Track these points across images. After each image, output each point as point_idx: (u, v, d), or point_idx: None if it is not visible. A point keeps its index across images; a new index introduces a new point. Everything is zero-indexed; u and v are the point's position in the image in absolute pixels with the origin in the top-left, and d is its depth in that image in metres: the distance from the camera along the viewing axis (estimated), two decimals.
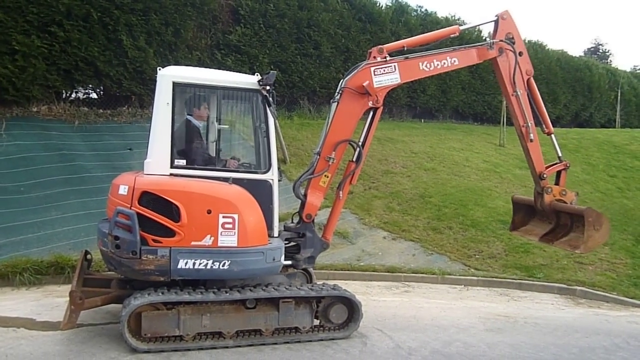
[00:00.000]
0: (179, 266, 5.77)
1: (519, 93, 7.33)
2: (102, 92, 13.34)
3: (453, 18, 23.26)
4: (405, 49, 7.22)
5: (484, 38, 21.39)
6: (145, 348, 5.75)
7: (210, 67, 13.91)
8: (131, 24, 12.17)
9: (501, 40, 7.34)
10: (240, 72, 14.49)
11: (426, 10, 22.25)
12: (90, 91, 13.53)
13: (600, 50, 55.18)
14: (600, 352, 6.81)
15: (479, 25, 7.75)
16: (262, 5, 15.50)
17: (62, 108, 12.12)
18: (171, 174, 6.15)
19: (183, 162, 6.27)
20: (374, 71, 6.86)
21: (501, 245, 11.37)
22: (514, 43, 7.33)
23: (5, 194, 9.67)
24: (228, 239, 5.93)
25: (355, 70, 6.91)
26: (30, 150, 10.69)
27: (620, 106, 31.00)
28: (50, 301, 7.42)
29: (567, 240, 7.41)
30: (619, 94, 30.85)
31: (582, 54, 46.17)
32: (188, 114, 6.68)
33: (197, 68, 7.49)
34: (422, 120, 22.97)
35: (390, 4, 20.76)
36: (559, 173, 7.74)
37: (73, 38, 11.31)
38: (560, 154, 7.76)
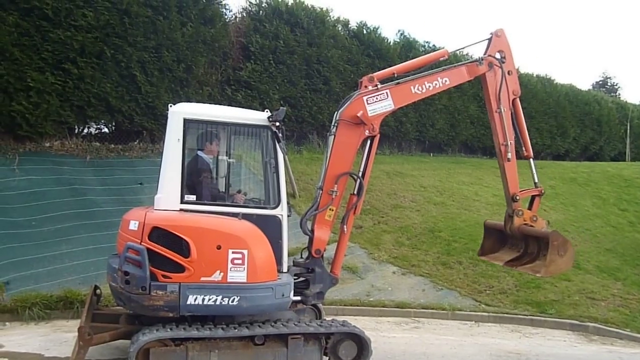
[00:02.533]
0: (188, 302, 5.76)
1: (502, 110, 7.33)
2: (114, 128, 13.51)
3: (461, 53, 23.52)
4: (396, 75, 7.26)
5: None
6: None
7: (220, 102, 14.21)
8: (144, 61, 12.41)
9: (490, 56, 7.40)
10: (250, 107, 14.76)
11: (434, 45, 22.44)
12: (102, 126, 13.73)
13: (609, 84, 55.24)
14: None
15: (471, 45, 7.89)
16: (272, 42, 15.76)
17: (75, 143, 12.31)
18: (181, 209, 6.19)
19: (193, 197, 6.32)
20: (367, 100, 6.91)
21: (512, 281, 11.26)
22: (504, 62, 7.38)
23: (17, 228, 9.75)
24: (237, 275, 5.93)
25: (349, 101, 6.96)
26: (42, 184, 10.81)
27: (630, 139, 31.01)
28: (59, 336, 7.40)
29: (531, 265, 7.31)
30: (629, 127, 30.89)
31: (591, 88, 46.25)
32: (198, 150, 6.75)
33: (208, 105, 7.64)
34: (431, 154, 23.03)
35: (398, 40, 21.06)
36: (533, 199, 7.67)
37: (86, 75, 11.54)
38: (536, 180, 7.72)
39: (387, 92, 7.02)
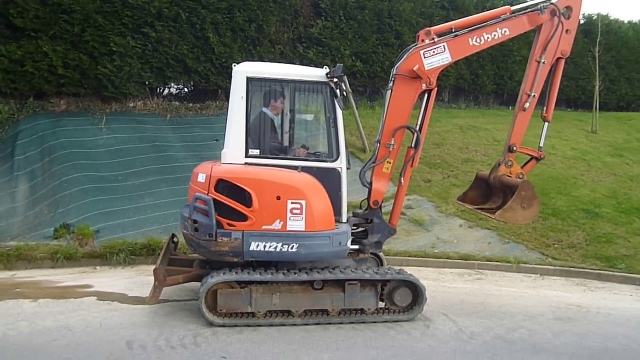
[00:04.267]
0: (250, 248, 6.22)
1: (542, 61, 7.18)
2: (192, 87, 14.19)
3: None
4: (454, 30, 7.20)
5: None
6: (221, 322, 6.27)
7: (292, 60, 14.52)
8: (217, 22, 12.90)
9: (554, 4, 7.15)
10: (322, 64, 14.99)
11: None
12: (182, 86, 14.46)
13: None
14: None
15: (536, 3, 7.59)
16: None
17: (156, 103, 13.12)
18: (246, 163, 6.61)
19: (257, 151, 6.70)
20: (424, 54, 6.95)
21: (582, 235, 11.06)
22: (568, 18, 7.18)
23: (105, 182, 10.67)
24: (296, 224, 6.29)
25: (405, 55, 7.03)
26: (127, 142, 11.69)
27: None
28: (142, 279, 8.13)
29: (493, 208, 7.27)
30: None
31: None
32: (264, 107, 7.10)
33: (269, 63, 7.94)
34: (510, 107, 22.37)
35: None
36: (530, 160, 7.58)
37: (164, 38, 12.21)
38: (542, 144, 7.59)
39: (444, 45, 7.02)
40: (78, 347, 5.63)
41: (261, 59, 13.77)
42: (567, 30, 7.22)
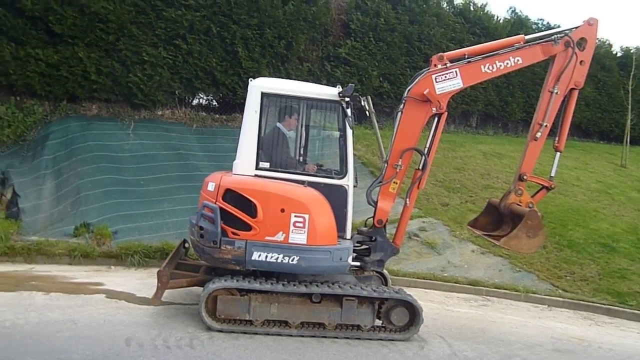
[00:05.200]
0: (253, 257, 6.40)
1: (555, 92, 7.23)
2: (220, 99, 14.59)
3: None
4: (466, 56, 7.31)
5: None
6: (219, 327, 6.46)
7: (320, 78, 14.79)
8: (246, 38, 13.30)
9: (568, 36, 7.21)
10: (349, 83, 15.21)
11: (548, 23, 21.56)
12: (211, 98, 14.87)
13: None
14: None
15: (550, 33, 7.60)
16: (373, 20, 16.07)
17: (183, 112, 13.55)
18: (256, 175, 6.82)
19: (267, 164, 6.91)
20: (436, 78, 7.07)
21: (596, 269, 10.94)
22: (582, 49, 7.23)
23: (128, 185, 11.06)
24: (298, 237, 6.46)
25: (417, 79, 7.17)
26: (152, 148, 12.10)
27: None
28: (152, 281, 8.22)
29: (498, 235, 7.30)
30: None
31: None
32: (278, 122, 7.33)
33: (285, 80, 8.19)
34: None
35: (508, 17, 20.46)
36: (540, 189, 7.58)
37: (194, 50, 12.65)
38: (553, 174, 7.63)
39: (456, 71, 7.14)
40: (79, 340, 5.88)
41: (289, 76, 14.09)
42: (581, 62, 7.26)
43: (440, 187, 13.96)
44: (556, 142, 7.63)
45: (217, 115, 14.07)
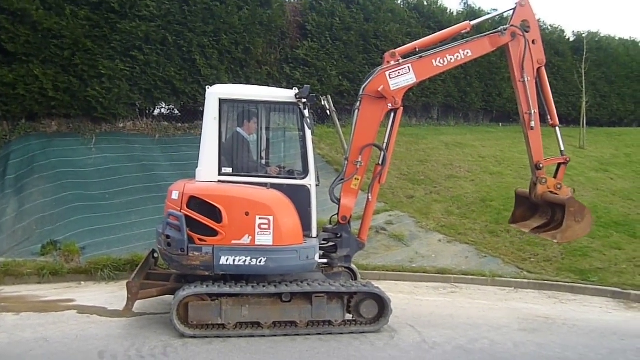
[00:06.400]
0: (221, 262, 6.50)
1: (526, 79, 7.41)
2: (180, 108, 14.58)
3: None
4: (417, 50, 7.54)
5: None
6: (191, 334, 6.55)
7: (279, 81, 14.90)
8: (203, 45, 13.34)
9: (513, 26, 7.42)
10: (308, 83, 15.37)
11: (502, 14, 21.96)
12: (172, 107, 14.85)
13: None
14: (631, 355, 6.82)
15: (493, 16, 7.82)
16: (328, 20, 16.27)
17: (145, 123, 13.52)
18: (219, 181, 6.92)
19: (229, 169, 7.02)
20: (389, 75, 7.28)
21: (558, 249, 11.29)
22: (528, 31, 7.44)
23: (93, 200, 11.00)
24: (264, 238, 6.58)
25: (372, 77, 7.37)
26: (116, 161, 12.06)
27: None
28: (123, 294, 8.10)
29: (551, 232, 7.44)
30: None
31: None
32: (238, 127, 7.43)
33: (242, 85, 8.30)
34: (500, 124, 22.74)
35: (462, 10, 20.87)
36: (558, 167, 7.77)
37: (152, 60, 12.64)
38: (562, 148, 7.79)
39: (408, 67, 7.34)
40: (52, 357, 5.93)
41: (248, 80, 14.18)
42: (533, 41, 7.48)
43: (404, 180, 14.21)
44: (549, 120, 7.73)
45: (180, 124, 14.08)
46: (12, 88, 11.47)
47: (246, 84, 13.53)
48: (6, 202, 10.67)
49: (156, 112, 14.47)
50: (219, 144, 7.02)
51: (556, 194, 7.58)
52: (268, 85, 12.85)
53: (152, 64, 12.67)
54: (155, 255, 8.22)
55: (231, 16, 13.64)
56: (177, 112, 14.98)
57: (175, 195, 6.84)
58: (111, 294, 8.44)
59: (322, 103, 8.75)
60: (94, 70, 12.02)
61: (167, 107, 14.86)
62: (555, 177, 7.76)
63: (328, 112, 8.97)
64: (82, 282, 9.17)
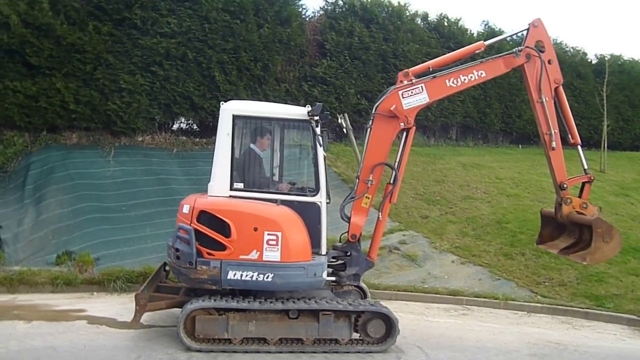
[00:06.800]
0: (228, 277, 6.54)
1: (544, 100, 7.35)
2: (199, 123, 14.78)
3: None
4: (431, 69, 7.51)
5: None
6: (198, 347, 6.57)
7: (297, 98, 15.02)
8: (223, 62, 13.53)
9: (527, 47, 7.39)
10: (326, 102, 15.51)
11: (522, 34, 21.94)
12: (191, 122, 15.05)
13: None
14: None
15: (507, 36, 7.88)
16: (347, 39, 16.39)
17: (164, 137, 13.72)
18: (230, 196, 6.98)
19: (241, 185, 7.09)
20: (402, 94, 7.25)
21: (574, 274, 11.11)
22: (543, 51, 7.40)
23: (109, 212, 11.15)
24: (272, 254, 6.61)
25: (384, 96, 7.36)
26: (133, 174, 12.23)
27: None
28: (134, 305, 8.47)
29: (579, 253, 7.29)
30: None
31: None
32: (251, 143, 7.51)
33: (256, 102, 8.37)
34: (520, 146, 22.57)
35: (482, 31, 20.88)
36: (583, 186, 7.66)
37: (171, 76, 12.88)
38: (586, 166, 7.68)
39: (422, 86, 7.31)
40: None
41: (266, 97, 14.32)
42: (549, 61, 7.43)
43: (420, 200, 14.16)
44: (570, 139, 7.67)
45: (197, 139, 14.24)
46: (34, 100, 11.74)
47: (264, 101, 13.68)
48: (24, 212, 10.86)
49: (175, 126, 14.68)
50: (232, 159, 7.09)
51: (582, 213, 7.44)
52: (286, 103, 12.95)
53: (171, 79, 12.88)
54: (167, 268, 8.28)
55: (251, 34, 13.83)
56: (195, 127, 15.16)
57: (186, 209, 6.92)
58: (122, 306, 8.49)
59: (339, 121, 8.84)
60: (114, 85, 12.27)
61: (186, 122, 15.05)
62: (580, 196, 7.62)
63: (345, 130, 9.01)
64: (95, 293, 9.26)
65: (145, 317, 7.19)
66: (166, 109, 13.28)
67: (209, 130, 14.47)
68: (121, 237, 10.69)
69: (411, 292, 10.21)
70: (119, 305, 8.52)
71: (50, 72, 11.78)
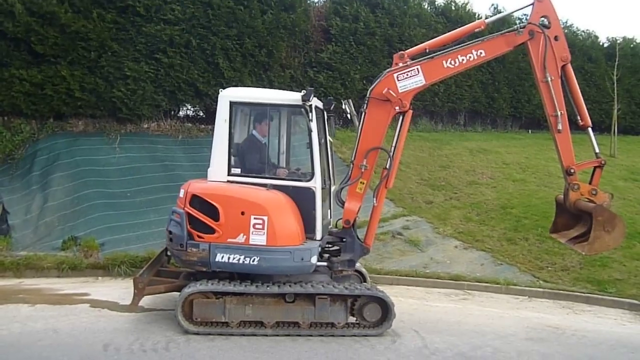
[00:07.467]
0: (216, 259, 6.64)
1: (549, 79, 6.89)
2: (204, 110, 14.87)
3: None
4: (427, 50, 7.23)
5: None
6: (195, 330, 6.68)
7: (303, 84, 15.02)
8: (227, 48, 13.58)
9: (531, 23, 6.91)
10: (332, 87, 15.50)
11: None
12: (197, 108, 15.14)
13: None
14: None
15: (510, 13, 7.40)
16: (352, 25, 16.32)
17: (169, 124, 13.84)
18: (228, 181, 7.06)
19: (238, 170, 7.17)
20: (397, 77, 7.06)
21: (577, 258, 11.06)
22: (549, 27, 6.92)
23: (114, 198, 11.32)
24: (258, 238, 6.66)
25: (379, 79, 7.21)
26: (138, 161, 12.38)
27: None
28: None
29: (581, 242, 6.92)
30: None
31: None
32: (253, 130, 7.57)
33: (253, 89, 8.41)
34: (529, 131, 22.39)
35: (490, 14, 20.65)
36: (594, 171, 7.17)
37: (175, 63, 12.96)
38: (597, 150, 7.18)
39: (417, 68, 7.05)
40: (58, 347, 6.12)
41: (271, 83, 14.36)
42: (555, 37, 6.93)
43: (424, 186, 14.16)
44: (580, 121, 7.15)
45: (203, 126, 14.34)
46: (40, 88, 11.91)
47: (269, 87, 13.74)
48: (31, 198, 11.06)
49: (181, 113, 14.79)
50: (229, 145, 7.16)
51: (592, 200, 6.95)
52: (292, 89, 12.96)
53: (176, 66, 12.97)
54: (168, 253, 8.39)
55: (255, 20, 13.85)
56: (202, 114, 15.26)
57: (181, 193, 7.08)
58: (125, 290, 8.58)
59: (343, 107, 8.79)
60: (119, 72, 12.39)
61: (192, 109, 15.16)
62: (590, 182, 7.12)
63: (349, 116, 8.99)
64: (100, 277, 9.42)
65: (146, 301, 7.33)
66: (171, 96, 13.39)
67: (214, 116, 14.47)
68: (126, 223, 10.85)
69: (412, 277, 10.21)
70: (122, 290, 8.63)
71: (56, 60, 11.94)
